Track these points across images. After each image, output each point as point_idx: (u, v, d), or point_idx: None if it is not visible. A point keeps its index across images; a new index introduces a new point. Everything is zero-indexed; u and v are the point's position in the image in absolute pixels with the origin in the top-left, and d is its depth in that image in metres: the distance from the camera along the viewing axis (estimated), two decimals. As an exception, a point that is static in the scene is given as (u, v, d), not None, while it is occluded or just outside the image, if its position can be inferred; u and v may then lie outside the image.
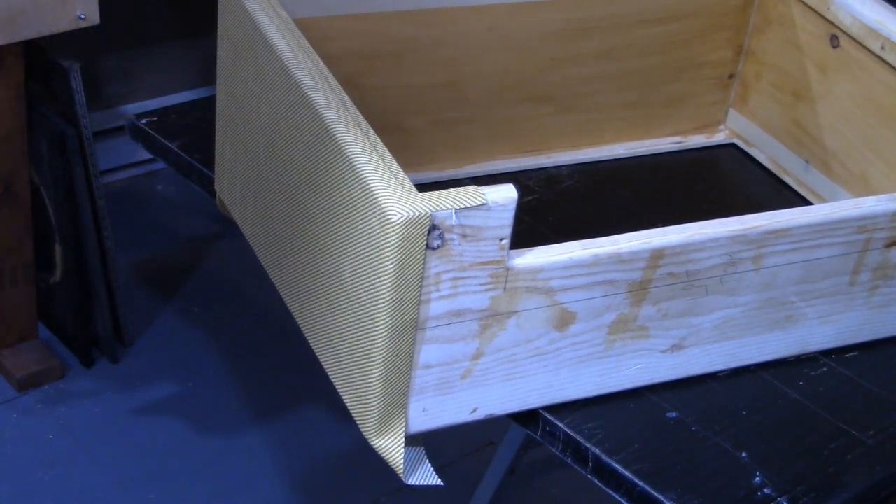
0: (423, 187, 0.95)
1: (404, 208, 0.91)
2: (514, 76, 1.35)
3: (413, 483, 1.02)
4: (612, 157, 1.45)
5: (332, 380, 1.04)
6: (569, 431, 1.04)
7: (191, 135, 1.37)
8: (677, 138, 1.49)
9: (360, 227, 0.95)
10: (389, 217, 0.91)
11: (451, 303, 0.96)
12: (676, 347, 1.08)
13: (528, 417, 1.07)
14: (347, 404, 1.02)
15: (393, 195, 0.92)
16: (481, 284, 0.96)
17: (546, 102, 1.39)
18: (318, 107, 1.01)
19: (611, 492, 1.02)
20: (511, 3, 1.31)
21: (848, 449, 1.07)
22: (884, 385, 1.14)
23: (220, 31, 1.19)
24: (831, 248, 1.09)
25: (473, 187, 0.93)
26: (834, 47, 1.35)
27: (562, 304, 1.00)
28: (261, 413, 2.13)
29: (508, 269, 0.97)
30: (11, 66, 1.89)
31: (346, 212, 0.97)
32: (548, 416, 1.06)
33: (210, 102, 1.26)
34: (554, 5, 1.33)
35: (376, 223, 0.93)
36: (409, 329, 0.95)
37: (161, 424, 2.08)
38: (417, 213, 0.91)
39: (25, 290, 2.09)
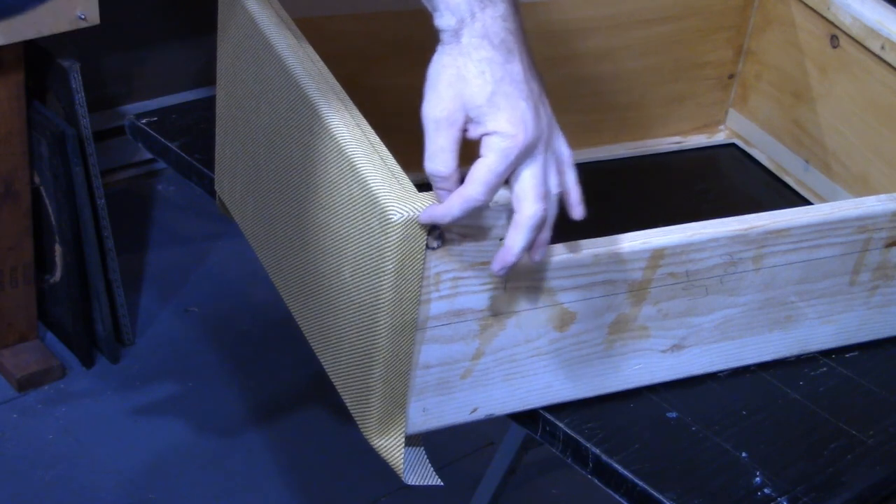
0: (423, 187, 0.95)
1: (404, 208, 0.91)
2: (514, 76, 1.35)
3: (413, 483, 1.02)
4: (612, 157, 1.45)
5: (332, 380, 1.04)
6: (569, 431, 1.04)
7: (191, 135, 1.37)
8: (677, 138, 1.49)
9: (359, 227, 0.95)
10: (389, 217, 0.91)
11: (451, 303, 0.96)
12: (676, 347, 1.08)
13: (528, 417, 1.07)
14: (347, 404, 1.02)
15: (393, 195, 0.92)
16: (481, 284, 0.96)
17: (546, 102, 1.39)
18: (318, 107, 1.01)
19: (611, 492, 1.02)
20: (511, 3, 1.31)
21: (848, 449, 1.07)
22: (884, 385, 1.14)
23: (220, 31, 1.19)
24: (831, 248, 1.09)
25: (473, 187, 0.93)
26: (834, 47, 1.36)
27: (562, 304, 1.00)
28: (261, 413, 2.13)
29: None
30: (11, 66, 1.89)
31: (345, 212, 0.97)
32: (548, 416, 1.06)
33: (210, 102, 1.26)
34: (554, 5, 1.33)
35: (376, 223, 0.93)
36: (409, 329, 0.95)
37: (161, 424, 2.08)
38: (417, 213, 0.91)
39: (25, 290, 2.09)
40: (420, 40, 1.29)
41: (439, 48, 0.91)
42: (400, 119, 1.33)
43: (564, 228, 1.30)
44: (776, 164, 1.46)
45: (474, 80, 0.88)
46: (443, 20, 0.90)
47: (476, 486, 1.88)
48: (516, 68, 0.89)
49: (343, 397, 1.03)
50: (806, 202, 1.41)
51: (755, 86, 1.47)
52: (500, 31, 0.89)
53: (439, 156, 0.89)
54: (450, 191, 0.89)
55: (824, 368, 1.15)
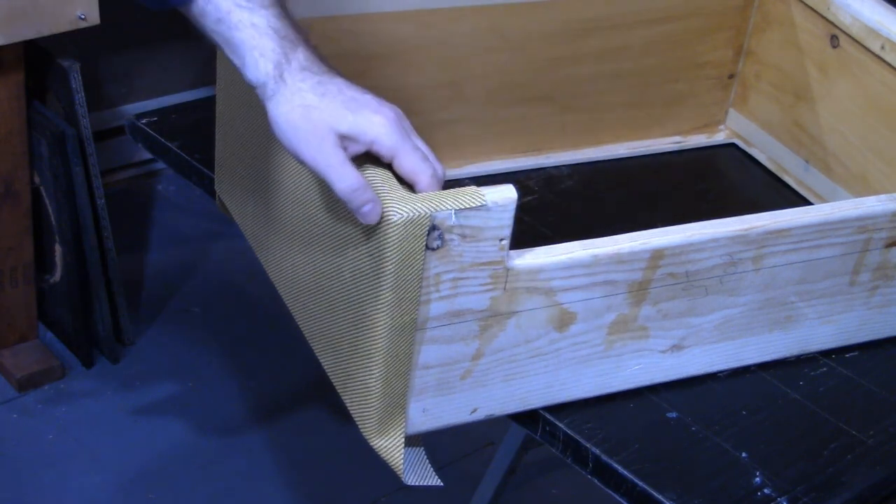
0: (422, 187, 0.95)
1: (404, 208, 0.91)
2: (514, 76, 1.35)
3: (413, 483, 1.02)
4: (612, 157, 1.45)
5: (332, 380, 1.04)
6: (569, 431, 1.04)
7: (191, 135, 1.37)
8: (677, 138, 1.49)
9: (359, 227, 0.95)
10: (389, 217, 0.91)
11: (451, 303, 0.96)
12: (676, 347, 1.08)
13: (528, 417, 1.06)
14: (347, 404, 1.02)
15: (393, 195, 0.92)
16: (481, 285, 0.96)
17: (546, 102, 1.39)
18: (317, 107, 1.00)
19: (611, 492, 1.02)
20: (511, 3, 1.31)
21: (848, 449, 1.07)
22: (884, 385, 1.14)
23: (219, 31, 1.19)
24: (831, 248, 1.09)
25: (473, 188, 0.93)
26: (834, 47, 1.35)
27: (562, 304, 1.00)
28: (261, 413, 2.13)
29: (508, 270, 0.97)
30: (11, 66, 1.89)
31: (345, 212, 0.97)
32: (548, 416, 1.06)
33: (210, 102, 1.26)
34: (554, 5, 1.33)
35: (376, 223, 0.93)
36: (409, 329, 0.95)
37: (161, 424, 2.08)
38: (417, 214, 0.91)
39: (25, 290, 2.09)
40: (420, 40, 1.29)
41: (268, 103, 0.94)
42: (400, 119, 1.33)
43: (565, 228, 1.30)
44: (776, 164, 1.46)
45: (322, 104, 0.92)
46: (258, 69, 0.93)
47: (476, 486, 1.88)
48: (339, 79, 0.95)
49: (343, 397, 1.03)
50: (806, 202, 1.41)
51: (755, 86, 1.47)
52: (313, 62, 0.94)
53: (347, 176, 0.92)
54: (372, 200, 0.91)
55: (824, 368, 1.15)
